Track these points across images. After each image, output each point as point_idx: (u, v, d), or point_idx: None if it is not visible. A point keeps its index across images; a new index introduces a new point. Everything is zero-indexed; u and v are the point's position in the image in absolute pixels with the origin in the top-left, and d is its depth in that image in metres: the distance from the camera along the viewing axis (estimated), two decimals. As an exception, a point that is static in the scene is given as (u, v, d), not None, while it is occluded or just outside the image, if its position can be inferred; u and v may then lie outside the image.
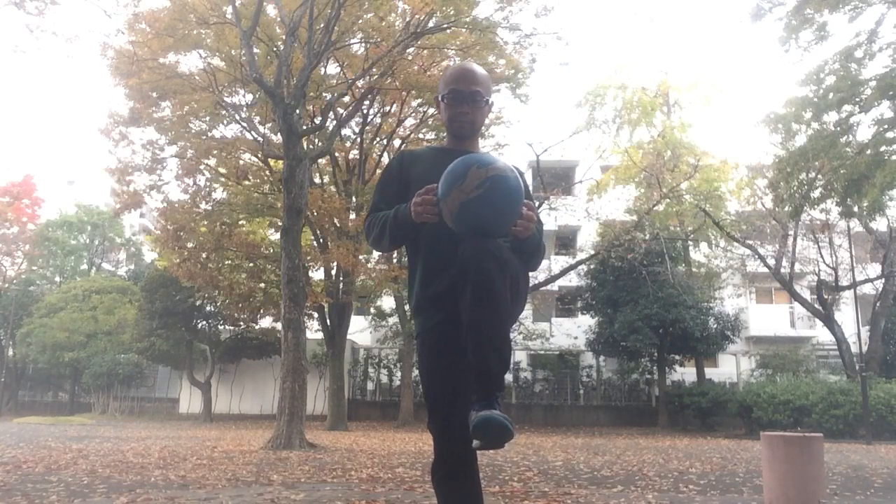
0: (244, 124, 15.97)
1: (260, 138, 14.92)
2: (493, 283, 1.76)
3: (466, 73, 2.10)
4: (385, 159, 18.93)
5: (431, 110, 17.44)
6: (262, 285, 19.11)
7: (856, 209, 12.37)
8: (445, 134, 2.23)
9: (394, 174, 2.15)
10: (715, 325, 19.50)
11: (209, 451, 9.32)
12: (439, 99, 2.13)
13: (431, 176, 1.92)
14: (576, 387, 23.25)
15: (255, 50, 12.49)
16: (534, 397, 22.96)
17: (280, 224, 12.05)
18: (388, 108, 17.91)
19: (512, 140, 19.01)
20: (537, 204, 2.53)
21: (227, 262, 18.75)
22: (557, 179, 22.80)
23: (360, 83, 14.18)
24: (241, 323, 21.80)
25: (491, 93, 2.16)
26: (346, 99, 15.45)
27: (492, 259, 1.77)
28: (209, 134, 17.07)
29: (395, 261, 17.81)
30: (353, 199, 17.69)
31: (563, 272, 20.28)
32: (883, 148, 10.59)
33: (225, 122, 16.95)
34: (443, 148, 2.19)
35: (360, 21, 13.78)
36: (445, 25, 13.34)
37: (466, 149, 2.12)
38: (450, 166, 1.83)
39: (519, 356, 23.88)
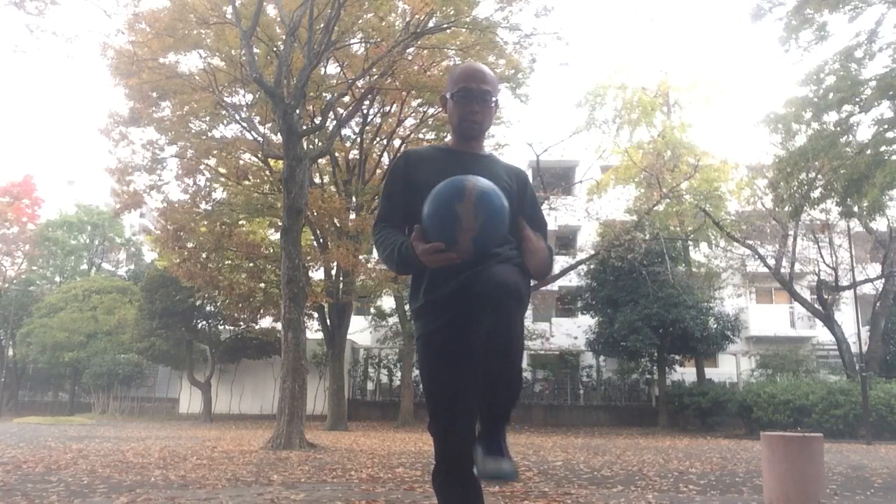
0: (244, 124, 15.97)
1: (260, 138, 14.92)
2: (513, 328, 1.77)
3: (477, 73, 2.09)
4: (385, 159, 18.93)
5: (431, 110, 17.43)
6: (262, 285, 19.11)
7: (856, 209, 12.35)
8: (446, 134, 2.23)
9: (399, 176, 2.11)
10: (715, 325, 19.50)
11: (209, 451, 9.32)
12: (448, 97, 2.11)
13: (438, 180, 1.92)
14: (576, 387, 23.25)
15: (255, 50, 12.49)
16: (534, 397, 22.95)
17: (280, 224, 12.05)
18: (388, 108, 17.91)
19: (512, 140, 19.02)
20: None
21: (227, 262, 18.75)
22: (557, 179, 22.79)
23: (360, 83, 14.18)
24: (241, 323, 21.80)
25: (498, 93, 2.15)
26: (346, 99, 15.45)
27: (512, 298, 1.77)
28: (209, 134, 17.08)
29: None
30: (353, 199, 17.70)
31: (563, 272, 20.28)
32: (883, 148, 10.58)
33: (225, 122, 16.95)
34: (448, 148, 2.16)
35: (360, 21, 13.77)
36: (445, 25, 13.33)
37: (472, 149, 2.12)
38: (432, 210, 1.83)
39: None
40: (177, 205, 17.38)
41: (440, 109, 17.68)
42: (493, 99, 2.08)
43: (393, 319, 22.82)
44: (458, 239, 1.80)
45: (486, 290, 1.77)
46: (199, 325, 22.73)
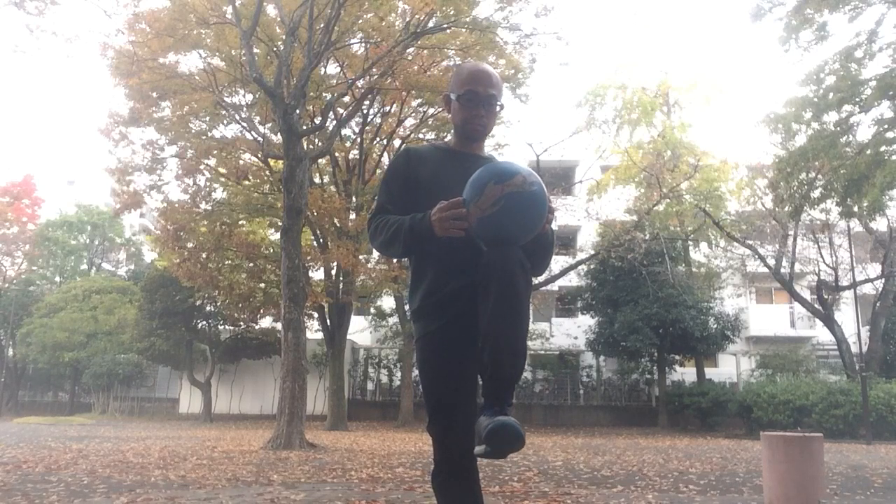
0: (244, 124, 15.99)
1: (260, 138, 14.94)
2: (518, 293, 1.77)
3: (484, 76, 2.06)
4: (385, 159, 18.95)
5: (431, 110, 17.44)
6: (262, 285, 19.13)
7: (856, 209, 12.34)
8: (447, 134, 2.21)
9: (400, 171, 2.08)
10: (715, 325, 19.50)
11: (209, 451, 9.32)
12: (452, 98, 2.08)
13: (441, 179, 1.90)
14: (576, 387, 23.25)
15: (255, 50, 12.50)
16: (534, 397, 22.96)
17: (280, 224, 12.05)
18: (388, 108, 17.91)
19: (512, 140, 19.02)
20: None
21: (227, 262, 18.77)
22: (557, 179, 22.79)
23: (360, 83, 14.18)
24: (241, 323, 21.80)
25: (503, 96, 2.13)
26: (346, 99, 15.45)
27: (518, 267, 1.78)
28: (209, 134, 17.09)
29: (395, 261, 17.82)
30: (353, 199, 17.70)
31: (563, 272, 20.27)
32: (883, 148, 10.59)
33: (225, 122, 16.97)
34: (449, 149, 2.14)
35: (360, 21, 13.79)
36: (445, 25, 13.34)
37: (473, 151, 2.10)
38: (472, 177, 1.81)
39: (519, 356, 23.87)
40: (177, 205, 17.39)
41: (440, 109, 17.76)
42: (499, 103, 2.07)
43: (393, 319, 22.82)
44: (469, 209, 1.78)
45: (491, 260, 1.78)
46: (199, 325, 22.73)
